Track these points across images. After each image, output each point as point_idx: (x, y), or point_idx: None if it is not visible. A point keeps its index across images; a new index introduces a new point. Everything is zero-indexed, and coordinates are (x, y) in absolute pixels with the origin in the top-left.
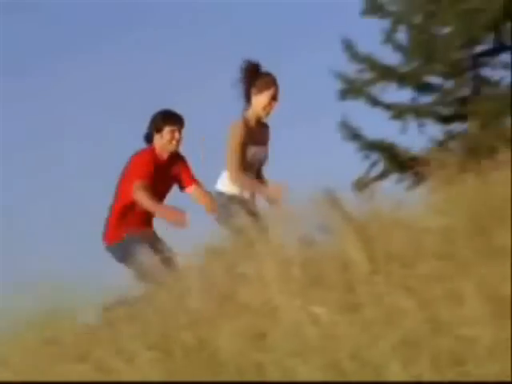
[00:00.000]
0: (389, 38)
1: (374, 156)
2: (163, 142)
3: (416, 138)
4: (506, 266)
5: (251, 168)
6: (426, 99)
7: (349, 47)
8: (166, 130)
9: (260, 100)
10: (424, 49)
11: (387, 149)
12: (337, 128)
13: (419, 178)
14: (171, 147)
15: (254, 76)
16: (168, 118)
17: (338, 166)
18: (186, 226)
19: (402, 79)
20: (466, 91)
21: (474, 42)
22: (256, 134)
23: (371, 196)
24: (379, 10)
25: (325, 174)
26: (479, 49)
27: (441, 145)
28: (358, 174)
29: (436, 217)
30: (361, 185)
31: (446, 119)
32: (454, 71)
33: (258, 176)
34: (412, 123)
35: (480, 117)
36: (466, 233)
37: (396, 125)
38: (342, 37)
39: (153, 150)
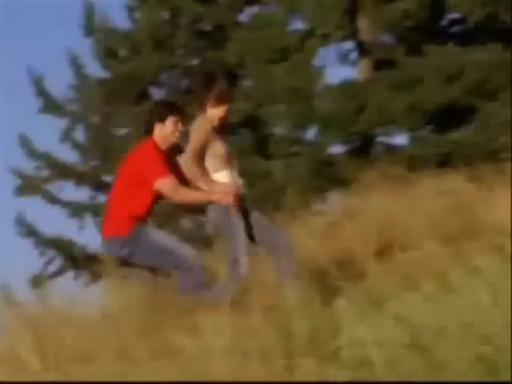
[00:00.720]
0: (67, 136)
1: (51, 253)
2: (166, 132)
3: (94, 236)
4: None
5: (230, 161)
6: (104, 198)
7: (26, 143)
8: (170, 119)
9: (216, 112)
10: (101, 149)
11: (64, 246)
12: (13, 224)
13: (95, 277)
14: (173, 138)
15: (212, 87)
16: (172, 108)
17: (14, 262)
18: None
19: (79, 178)
20: None
21: None
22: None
23: (47, 293)
24: (57, 109)
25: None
26: None
27: None
28: (34, 270)
29: (110, 315)
30: (37, 281)
31: None
32: None
33: None
34: (90, 221)
35: None
36: (138, 331)
37: (74, 222)
38: (19, 133)
39: (155, 143)
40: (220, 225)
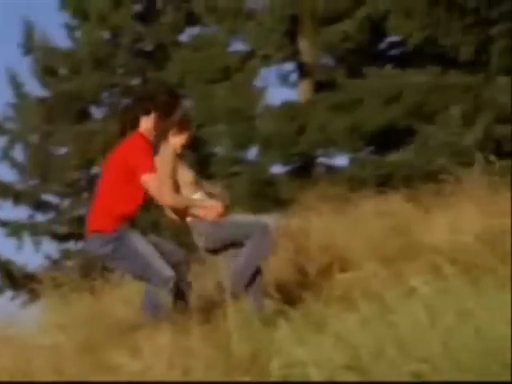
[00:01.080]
0: (5, 155)
1: None
2: (151, 125)
3: (32, 255)
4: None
5: (195, 186)
6: (43, 217)
7: None
8: (154, 114)
9: (178, 140)
10: (41, 167)
11: (2, 265)
12: None
13: (34, 296)
14: (154, 133)
15: (172, 113)
16: (156, 102)
17: None
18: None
19: (18, 197)
20: (82, 210)
21: (91, 163)
22: None
23: None
24: None
25: None
26: (95, 170)
27: (56, 263)
28: None
29: (49, 334)
30: None
31: (61, 238)
32: (70, 191)
33: None
34: (28, 241)
35: None
36: (77, 350)
37: (12, 242)
38: None
39: (142, 135)
40: (215, 239)
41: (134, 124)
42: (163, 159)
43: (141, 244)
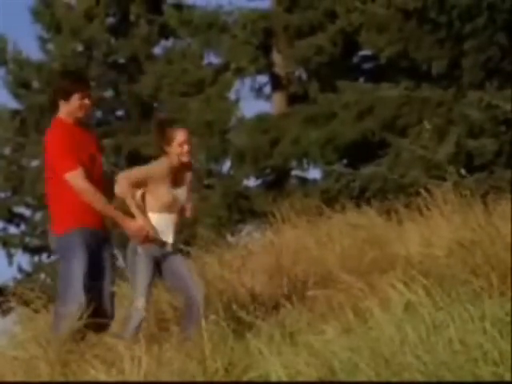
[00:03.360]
0: None
1: None
2: (71, 108)
3: (5, 268)
4: None
5: (170, 208)
6: (15, 230)
7: None
8: (75, 96)
9: (172, 150)
10: (13, 180)
11: None
12: None
13: (6, 309)
14: (80, 114)
15: (163, 131)
16: (78, 84)
17: None
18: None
19: None
20: None
21: None
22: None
23: None
24: None
25: None
26: None
27: (29, 276)
28: None
29: (22, 348)
30: None
31: (34, 250)
32: (42, 203)
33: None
34: (0, 253)
35: None
36: (51, 363)
37: None
38: None
39: (61, 120)
40: (127, 263)
41: (54, 108)
42: (153, 163)
43: (76, 263)
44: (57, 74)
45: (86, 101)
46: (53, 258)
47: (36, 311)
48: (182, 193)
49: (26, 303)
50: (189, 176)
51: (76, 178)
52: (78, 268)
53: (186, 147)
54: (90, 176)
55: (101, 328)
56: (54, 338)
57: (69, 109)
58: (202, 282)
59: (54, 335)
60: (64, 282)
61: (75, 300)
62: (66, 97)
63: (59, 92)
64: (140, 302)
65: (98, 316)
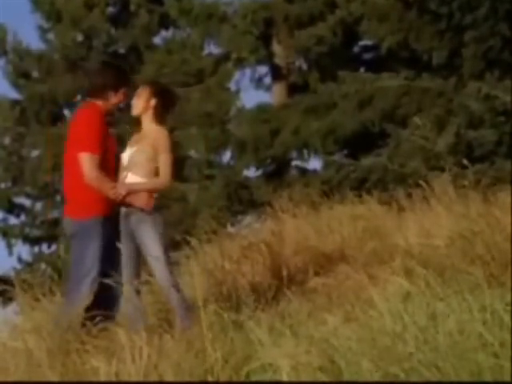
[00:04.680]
0: None
1: None
2: (115, 101)
3: (5, 258)
4: None
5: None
6: (15, 220)
7: None
8: (122, 91)
9: None
10: (13, 170)
11: None
12: None
13: (7, 299)
14: (115, 108)
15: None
16: (126, 79)
17: None
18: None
19: None
20: (54, 213)
21: (63, 166)
22: None
23: None
24: None
25: None
26: None
27: (30, 266)
28: None
29: (22, 338)
30: None
31: (34, 241)
32: (42, 194)
33: None
34: (1, 244)
35: None
36: (51, 354)
37: None
38: None
39: (101, 108)
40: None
41: (98, 94)
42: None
43: (91, 251)
44: (111, 63)
45: (125, 99)
46: (53, 247)
47: (37, 300)
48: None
49: (28, 292)
50: None
51: (89, 161)
52: (94, 254)
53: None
54: (104, 167)
55: (106, 319)
56: (61, 322)
57: (113, 100)
58: None
59: (63, 319)
60: (78, 267)
61: (88, 284)
62: (116, 89)
63: (112, 81)
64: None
65: (106, 306)
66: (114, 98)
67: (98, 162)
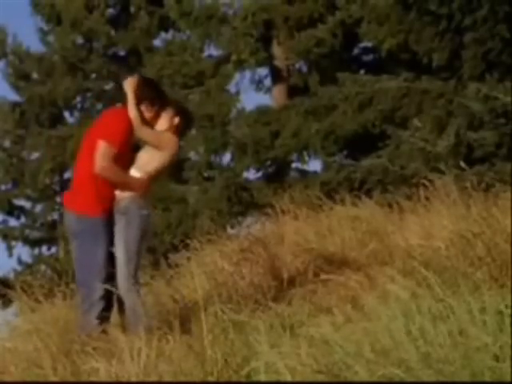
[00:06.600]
0: None
1: None
2: (145, 115)
3: (5, 260)
4: None
5: None
6: (15, 222)
7: None
8: (154, 109)
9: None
10: (13, 172)
11: None
12: None
13: (7, 301)
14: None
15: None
16: (163, 101)
17: None
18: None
19: None
20: (54, 215)
21: (63, 168)
22: None
23: None
24: None
25: None
26: (67, 175)
27: (29, 268)
28: None
29: (22, 339)
30: None
31: (34, 242)
32: (42, 196)
33: None
34: (1, 245)
35: None
36: (52, 355)
37: None
38: None
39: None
40: None
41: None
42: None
43: (100, 249)
44: (152, 80)
45: (155, 117)
46: (53, 249)
47: (37, 301)
48: None
49: (27, 294)
50: None
51: (104, 150)
52: (100, 253)
53: None
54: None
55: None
56: (86, 330)
57: (144, 114)
58: None
59: (88, 327)
60: (87, 268)
61: (98, 282)
62: (152, 105)
63: (150, 96)
64: None
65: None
66: (147, 113)
67: (112, 155)
